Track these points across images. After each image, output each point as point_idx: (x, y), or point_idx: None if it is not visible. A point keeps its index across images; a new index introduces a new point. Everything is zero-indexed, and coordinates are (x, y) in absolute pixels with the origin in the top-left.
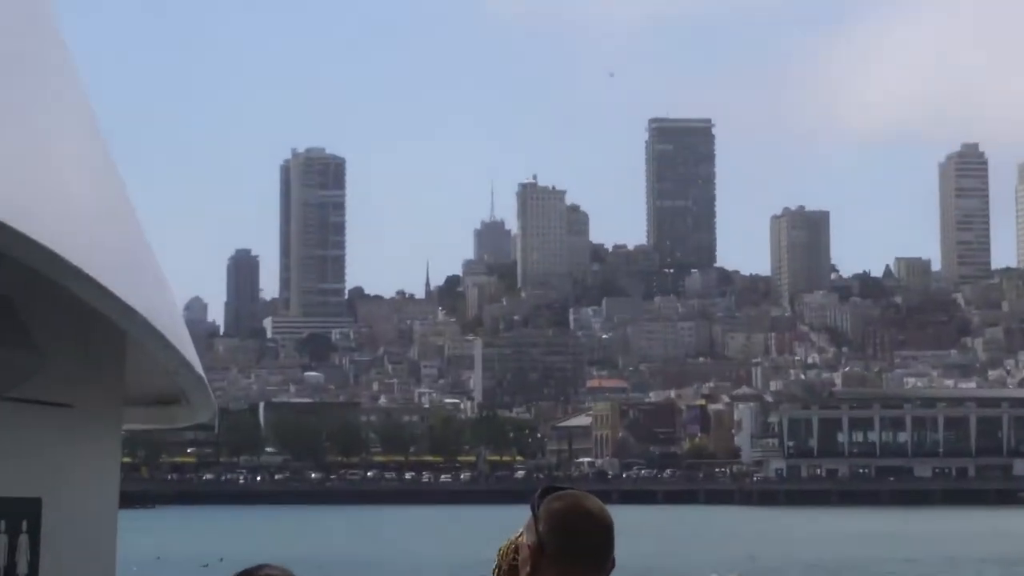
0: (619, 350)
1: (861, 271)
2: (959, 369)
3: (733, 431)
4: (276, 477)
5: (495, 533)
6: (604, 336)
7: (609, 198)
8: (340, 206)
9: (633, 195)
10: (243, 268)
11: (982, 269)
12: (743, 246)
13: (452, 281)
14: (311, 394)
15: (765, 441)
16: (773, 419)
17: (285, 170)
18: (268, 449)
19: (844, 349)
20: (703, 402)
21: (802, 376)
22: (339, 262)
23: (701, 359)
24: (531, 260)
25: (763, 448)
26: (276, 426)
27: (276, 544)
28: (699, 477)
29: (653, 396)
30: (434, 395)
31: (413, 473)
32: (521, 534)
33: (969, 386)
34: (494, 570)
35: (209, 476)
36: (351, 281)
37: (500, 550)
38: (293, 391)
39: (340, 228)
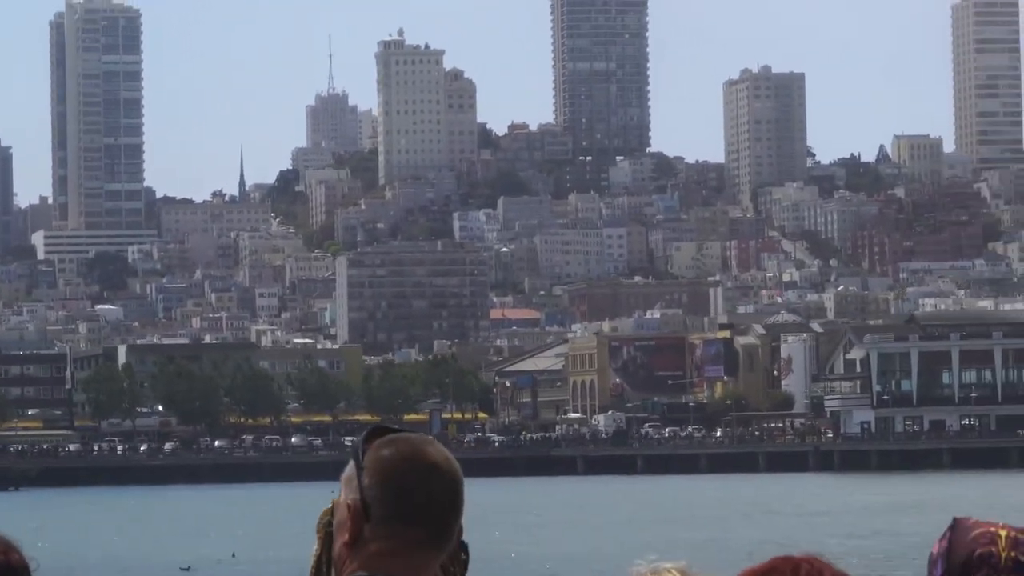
0: (525, 268)
1: (848, 155)
2: (990, 285)
3: (776, 373)
4: (166, 448)
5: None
6: (503, 249)
7: (503, 61)
8: (135, 77)
9: (536, 57)
10: None
11: (1011, 150)
12: (687, 125)
13: (287, 178)
14: (109, 334)
15: (836, 385)
16: (855, 355)
17: (56, 29)
18: (142, 410)
19: (832, 262)
20: (726, 334)
21: (778, 299)
22: (135, 154)
23: (637, 278)
24: (397, 147)
25: (839, 395)
26: (152, 379)
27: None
28: (752, 437)
29: (578, 330)
30: (278, 333)
31: (351, 438)
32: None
33: (1014, 306)
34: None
35: (71, 447)
36: (149, 180)
37: (320, 516)
38: (84, 331)
39: (135, 107)
